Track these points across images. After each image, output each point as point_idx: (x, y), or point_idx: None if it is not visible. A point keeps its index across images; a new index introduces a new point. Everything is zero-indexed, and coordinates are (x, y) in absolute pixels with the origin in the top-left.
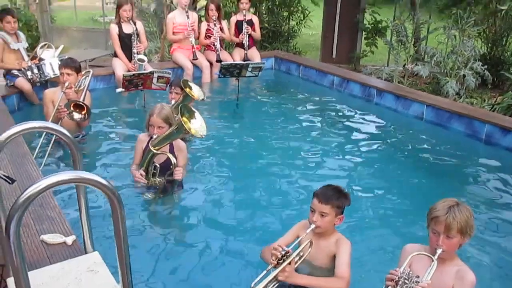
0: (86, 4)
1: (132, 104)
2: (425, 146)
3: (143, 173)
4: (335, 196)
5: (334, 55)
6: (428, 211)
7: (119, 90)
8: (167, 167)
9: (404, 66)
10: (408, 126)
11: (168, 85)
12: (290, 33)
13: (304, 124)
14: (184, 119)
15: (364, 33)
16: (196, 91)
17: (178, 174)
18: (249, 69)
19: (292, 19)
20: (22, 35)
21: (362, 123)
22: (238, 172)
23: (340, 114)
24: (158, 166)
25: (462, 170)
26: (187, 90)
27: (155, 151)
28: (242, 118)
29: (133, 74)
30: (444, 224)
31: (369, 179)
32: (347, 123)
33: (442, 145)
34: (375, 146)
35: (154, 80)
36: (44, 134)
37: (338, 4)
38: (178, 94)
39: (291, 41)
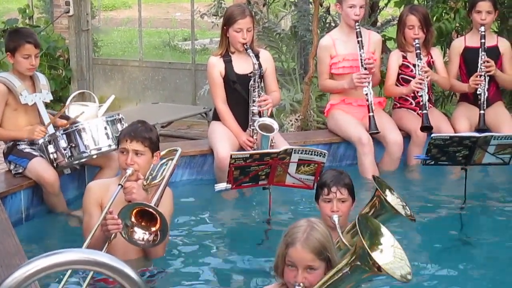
0: (156, 15)
1: (245, 215)
2: None
3: None
4: None
5: None
6: None
7: (220, 186)
8: None
9: None
10: None
11: (318, 182)
12: None
13: None
14: (367, 242)
15: None
16: (393, 201)
17: None
18: (491, 148)
19: None
20: (42, 79)
21: None
22: None
23: None
24: None
25: None
26: (382, 196)
27: None
28: (471, 247)
29: (250, 155)
30: None
31: None
32: None
33: None
34: None
35: (292, 169)
36: (69, 271)
37: None
38: (343, 203)
39: None
